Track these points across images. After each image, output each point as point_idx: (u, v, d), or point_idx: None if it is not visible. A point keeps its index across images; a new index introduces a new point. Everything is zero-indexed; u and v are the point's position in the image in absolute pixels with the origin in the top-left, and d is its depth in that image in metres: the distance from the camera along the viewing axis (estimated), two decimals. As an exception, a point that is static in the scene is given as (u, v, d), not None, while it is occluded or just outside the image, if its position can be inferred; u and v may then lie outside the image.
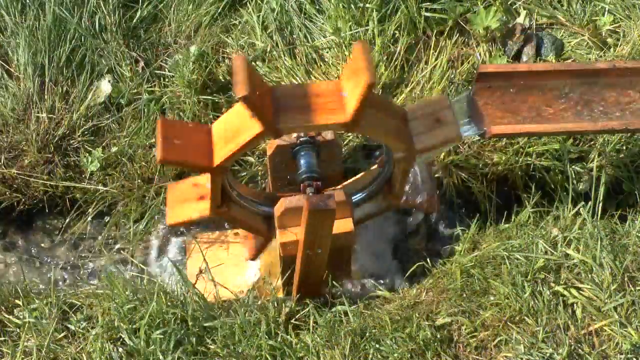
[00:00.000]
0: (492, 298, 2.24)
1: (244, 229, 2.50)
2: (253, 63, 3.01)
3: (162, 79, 3.02)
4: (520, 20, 3.00)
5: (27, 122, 2.91)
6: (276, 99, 1.96)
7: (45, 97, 2.94)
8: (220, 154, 2.02)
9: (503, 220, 2.56)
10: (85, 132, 2.92)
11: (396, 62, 2.88)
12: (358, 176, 2.47)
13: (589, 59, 2.89)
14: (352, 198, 2.38)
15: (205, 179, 2.20)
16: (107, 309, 2.25)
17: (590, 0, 3.05)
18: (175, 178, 2.82)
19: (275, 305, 2.28)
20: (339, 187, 2.42)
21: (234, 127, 2.01)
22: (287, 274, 2.36)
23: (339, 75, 2.83)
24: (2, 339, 2.29)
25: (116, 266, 2.84)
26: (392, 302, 2.36)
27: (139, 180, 2.85)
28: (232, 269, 2.67)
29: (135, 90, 2.99)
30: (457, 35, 2.99)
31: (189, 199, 2.28)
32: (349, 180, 2.47)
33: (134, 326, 2.19)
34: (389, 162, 2.28)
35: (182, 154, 2.03)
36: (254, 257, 2.52)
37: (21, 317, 2.32)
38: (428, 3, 2.98)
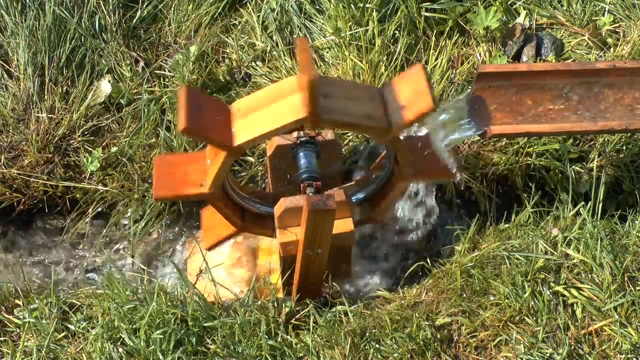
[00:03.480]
0: (492, 298, 2.24)
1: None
2: (253, 63, 3.01)
3: (162, 79, 3.02)
4: (520, 20, 3.00)
5: (27, 122, 2.91)
6: (233, 116, 1.98)
7: (45, 97, 2.94)
8: (208, 180, 2.05)
9: (503, 220, 2.56)
10: (85, 132, 2.92)
11: (396, 62, 2.88)
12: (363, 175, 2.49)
13: (589, 59, 2.89)
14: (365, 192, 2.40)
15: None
16: (107, 309, 2.25)
17: (590, 0, 3.05)
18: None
19: (275, 305, 2.28)
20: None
21: (212, 151, 2.04)
22: (287, 274, 2.36)
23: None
24: (2, 339, 2.29)
25: (116, 266, 2.83)
26: (392, 302, 2.36)
27: (139, 180, 2.85)
28: (232, 268, 2.67)
29: (135, 90, 2.99)
30: (457, 35, 2.99)
31: (219, 219, 2.31)
32: (356, 179, 2.47)
33: (134, 326, 2.19)
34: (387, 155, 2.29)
35: (177, 188, 2.09)
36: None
37: (21, 317, 2.32)
38: (428, 3, 2.98)
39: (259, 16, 3.08)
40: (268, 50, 3.01)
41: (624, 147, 2.77)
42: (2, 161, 2.87)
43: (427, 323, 2.20)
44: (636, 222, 2.43)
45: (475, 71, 2.85)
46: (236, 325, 2.17)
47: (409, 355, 2.13)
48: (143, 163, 2.86)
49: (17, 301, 2.40)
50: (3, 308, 2.38)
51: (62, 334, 2.27)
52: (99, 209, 2.91)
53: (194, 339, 2.17)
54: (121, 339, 2.19)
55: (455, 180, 2.33)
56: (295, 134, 2.29)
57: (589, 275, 2.23)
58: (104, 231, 2.93)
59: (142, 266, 2.73)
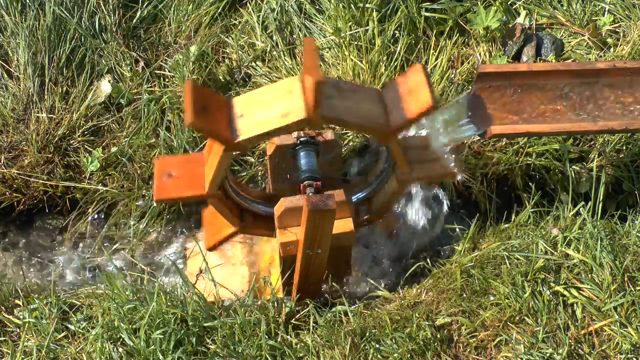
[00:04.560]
0: (492, 298, 2.24)
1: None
2: (253, 63, 3.01)
3: (162, 79, 3.02)
4: (520, 20, 3.00)
5: (27, 122, 2.91)
6: (232, 111, 1.97)
7: (45, 97, 2.94)
8: (207, 181, 2.08)
9: (503, 220, 2.56)
10: (85, 132, 2.92)
11: (396, 62, 2.88)
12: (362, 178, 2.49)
13: (589, 59, 2.89)
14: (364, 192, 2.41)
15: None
16: (107, 309, 2.25)
17: (590, 0, 3.05)
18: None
19: (275, 305, 2.28)
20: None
21: (210, 151, 2.05)
22: (287, 274, 2.36)
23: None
24: (2, 339, 2.29)
25: (116, 266, 2.83)
26: (392, 302, 2.36)
27: (139, 180, 2.85)
28: (232, 268, 2.67)
29: (135, 90, 2.99)
30: (457, 35, 2.99)
31: (221, 219, 2.31)
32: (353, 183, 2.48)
33: (134, 326, 2.19)
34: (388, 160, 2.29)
35: (177, 190, 2.13)
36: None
37: (21, 317, 2.32)
38: (428, 3, 2.98)
39: (259, 16, 3.08)
40: (268, 50, 3.01)
41: (624, 147, 2.77)
42: (2, 161, 2.87)
43: (427, 323, 2.20)
44: (636, 222, 2.43)
45: (475, 71, 2.85)
46: (236, 325, 2.17)
47: (409, 355, 2.13)
48: (143, 163, 2.86)
49: (17, 301, 2.40)
50: (3, 308, 2.38)
51: (62, 334, 2.27)
52: (99, 209, 2.91)
53: (194, 339, 2.17)
54: (121, 339, 2.19)
55: (456, 181, 2.35)
56: (295, 133, 2.29)
57: (589, 275, 2.23)
58: (104, 231, 2.93)
59: (142, 266, 2.73)
